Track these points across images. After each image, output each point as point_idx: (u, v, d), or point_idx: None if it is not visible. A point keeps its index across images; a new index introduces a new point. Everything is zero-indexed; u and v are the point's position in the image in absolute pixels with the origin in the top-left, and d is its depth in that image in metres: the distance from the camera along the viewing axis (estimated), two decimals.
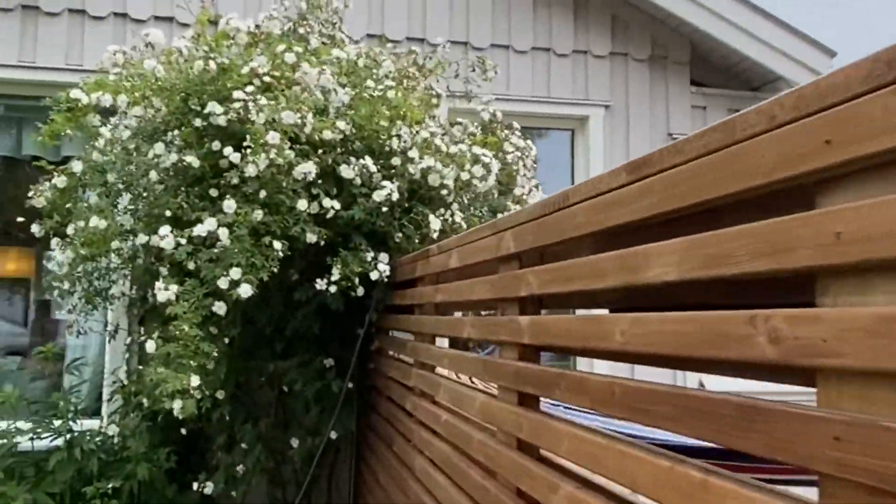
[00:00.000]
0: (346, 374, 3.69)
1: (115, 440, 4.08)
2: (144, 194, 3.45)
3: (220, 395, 3.55)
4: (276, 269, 3.00)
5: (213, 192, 3.24)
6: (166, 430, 3.84)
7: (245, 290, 2.89)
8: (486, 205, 3.75)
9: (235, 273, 2.90)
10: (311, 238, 3.20)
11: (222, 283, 2.90)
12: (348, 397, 3.75)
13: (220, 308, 2.98)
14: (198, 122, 3.24)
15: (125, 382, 4.23)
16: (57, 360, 4.63)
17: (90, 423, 4.15)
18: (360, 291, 3.27)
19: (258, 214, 3.06)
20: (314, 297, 3.52)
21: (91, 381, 4.50)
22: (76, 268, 3.62)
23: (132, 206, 3.54)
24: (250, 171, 2.98)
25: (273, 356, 3.85)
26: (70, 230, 3.43)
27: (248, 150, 2.98)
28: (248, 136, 2.99)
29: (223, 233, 2.92)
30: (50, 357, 4.29)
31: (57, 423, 3.93)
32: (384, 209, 3.30)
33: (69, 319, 4.13)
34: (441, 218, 3.41)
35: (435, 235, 3.42)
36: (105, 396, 4.40)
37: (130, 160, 3.50)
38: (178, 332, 2.83)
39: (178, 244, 2.96)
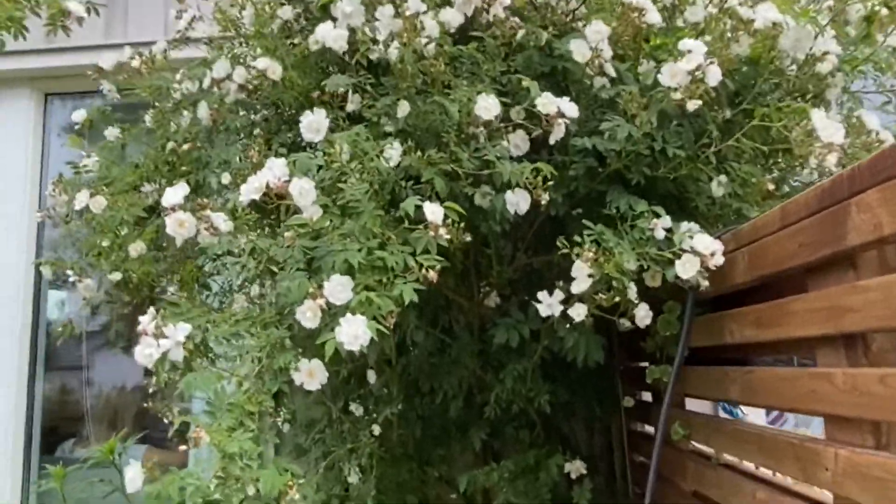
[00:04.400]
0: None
1: None
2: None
3: None
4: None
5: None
6: None
7: (357, 336, 1.12)
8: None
9: (341, 287, 1.15)
10: (524, 203, 1.38)
11: (304, 317, 1.17)
12: None
13: (311, 374, 1.25)
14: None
15: None
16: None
17: None
18: (644, 317, 1.39)
19: (393, 153, 1.32)
20: (533, 339, 1.71)
21: None
22: None
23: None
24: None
25: (460, 458, 2.08)
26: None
27: None
28: None
29: (302, 187, 1.19)
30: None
31: None
32: (677, 129, 1.44)
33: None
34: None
35: (772, 187, 1.49)
36: None
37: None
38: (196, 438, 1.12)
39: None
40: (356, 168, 1.28)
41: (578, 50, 1.45)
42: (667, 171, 1.49)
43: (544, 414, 1.96)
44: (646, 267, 1.34)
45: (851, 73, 1.46)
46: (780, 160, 1.46)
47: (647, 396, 2.12)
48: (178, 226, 1.21)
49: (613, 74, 1.50)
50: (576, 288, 1.35)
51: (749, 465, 1.36)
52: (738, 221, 1.53)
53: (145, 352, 1.12)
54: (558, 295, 1.39)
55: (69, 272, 1.89)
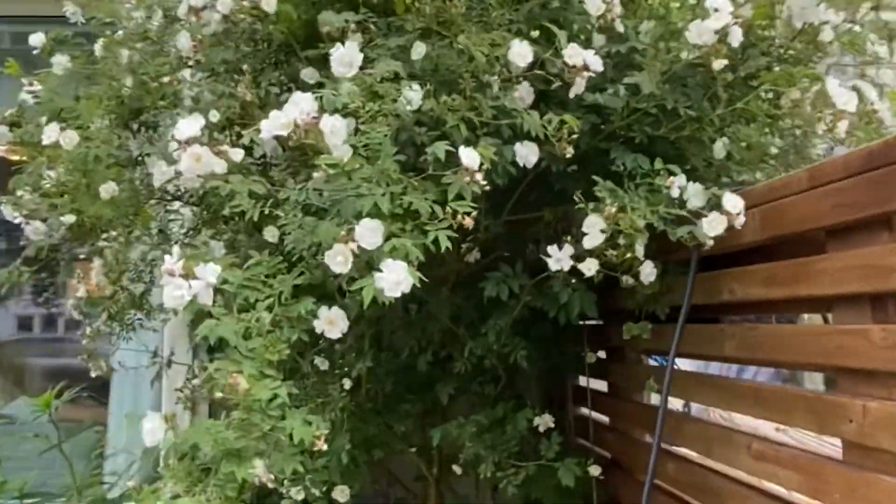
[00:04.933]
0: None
1: None
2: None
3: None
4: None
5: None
6: None
7: (398, 282, 1.07)
8: None
9: (370, 232, 1.10)
10: (532, 156, 1.36)
11: (334, 262, 1.11)
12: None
13: (332, 322, 1.19)
14: None
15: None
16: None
17: None
18: (649, 273, 1.41)
19: (413, 96, 1.26)
20: (519, 294, 1.70)
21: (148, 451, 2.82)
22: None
23: None
24: None
25: (433, 412, 2.07)
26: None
27: None
28: None
29: (334, 125, 1.12)
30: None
31: None
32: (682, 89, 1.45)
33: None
34: None
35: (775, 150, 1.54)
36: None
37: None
38: (232, 385, 1.06)
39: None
40: (375, 110, 1.22)
41: (592, 3, 1.43)
42: (668, 131, 1.51)
43: (508, 369, 1.97)
44: (655, 224, 1.36)
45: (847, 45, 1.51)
46: (785, 125, 1.49)
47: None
48: (195, 161, 1.12)
49: (622, 30, 1.50)
50: (588, 243, 1.35)
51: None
52: (733, 184, 1.57)
53: (175, 293, 1.03)
54: (568, 249, 1.39)
55: (12, 211, 1.71)
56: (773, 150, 1.48)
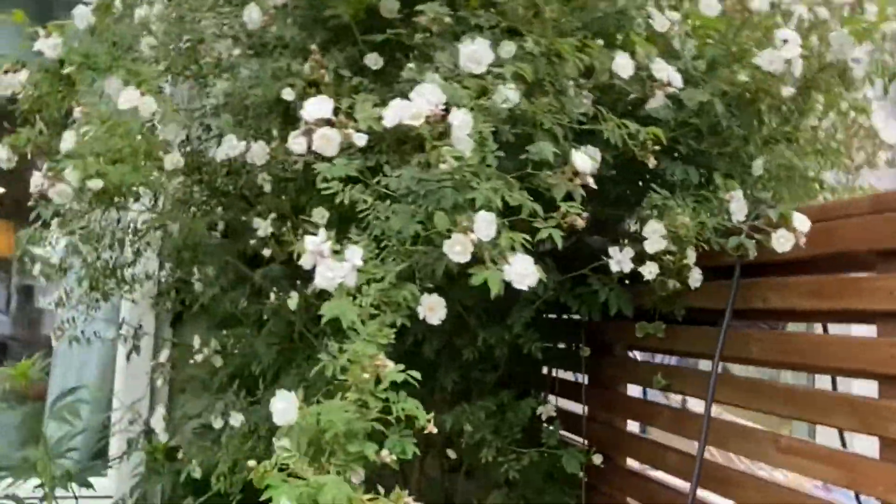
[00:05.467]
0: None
1: None
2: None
3: None
4: None
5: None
6: None
7: (525, 275, 1.12)
8: None
9: (486, 224, 1.13)
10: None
11: (452, 251, 1.14)
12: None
13: (432, 308, 1.22)
14: None
15: (153, 430, 2.45)
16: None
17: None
18: (697, 279, 1.52)
19: (511, 94, 1.30)
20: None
21: (93, 424, 2.70)
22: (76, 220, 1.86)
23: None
24: None
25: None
26: (68, 140, 1.64)
27: None
28: None
29: (462, 119, 1.15)
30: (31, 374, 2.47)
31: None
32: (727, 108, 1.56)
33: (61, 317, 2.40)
34: None
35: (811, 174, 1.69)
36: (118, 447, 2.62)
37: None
38: (354, 371, 1.07)
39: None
40: (480, 106, 1.26)
41: (660, 20, 1.51)
42: (709, 146, 1.62)
43: (510, 360, 2.05)
44: (709, 234, 1.47)
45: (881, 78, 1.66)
46: (823, 153, 1.64)
47: None
48: (326, 142, 1.11)
49: (677, 47, 1.59)
50: (650, 247, 1.44)
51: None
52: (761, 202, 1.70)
53: (327, 275, 1.03)
54: (628, 252, 1.47)
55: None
56: (810, 174, 1.62)
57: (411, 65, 1.49)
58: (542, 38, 1.39)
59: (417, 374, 1.09)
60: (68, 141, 1.64)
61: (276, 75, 1.51)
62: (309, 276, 1.78)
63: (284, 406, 1.01)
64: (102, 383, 2.86)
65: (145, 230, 2.11)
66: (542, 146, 1.25)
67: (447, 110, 1.15)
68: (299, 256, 1.25)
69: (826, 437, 2.22)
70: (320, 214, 1.59)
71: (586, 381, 2.29)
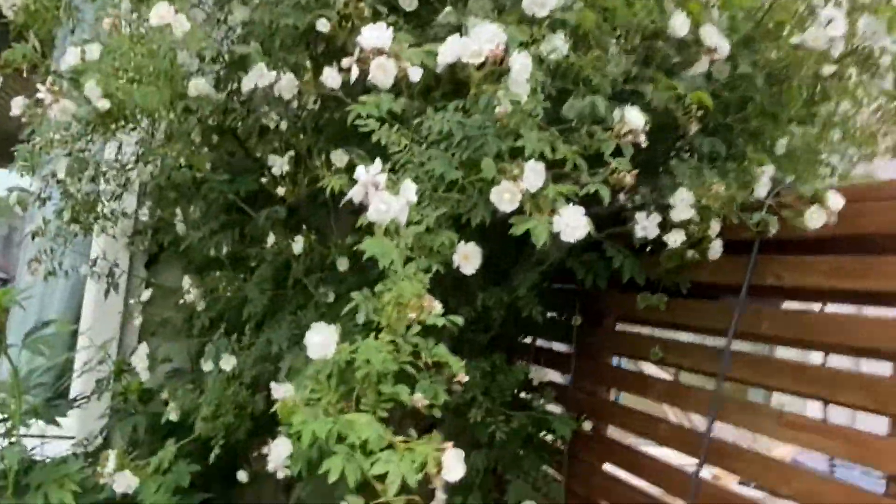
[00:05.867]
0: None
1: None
2: None
3: None
4: None
5: None
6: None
7: (575, 227, 1.10)
8: None
9: (534, 174, 1.10)
10: None
11: (500, 199, 1.10)
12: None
13: (467, 257, 1.19)
14: None
15: (124, 370, 2.36)
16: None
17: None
18: (717, 251, 1.52)
19: (559, 45, 1.27)
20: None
21: (59, 362, 2.59)
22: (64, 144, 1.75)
23: None
24: None
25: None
26: (73, 55, 1.54)
27: None
28: None
29: (523, 62, 1.11)
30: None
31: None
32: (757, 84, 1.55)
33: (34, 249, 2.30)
34: None
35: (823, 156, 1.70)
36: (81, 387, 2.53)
37: None
38: (393, 310, 1.03)
39: None
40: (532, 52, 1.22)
41: None
42: (735, 122, 1.61)
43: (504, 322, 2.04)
44: (736, 207, 1.46)
45: None
46: (850, 136, 1.64)
47: None
48: (382, 72, 1.06)
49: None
50: (677, 215, 1.43)
51: None
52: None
53: (380, 207, 0.98)
54: (655, 218, 1.46)
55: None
56: (823, 156, 1.63)
57: (449, 7, 1.44)
58: None
59: (460, 320, 1.05)
60: (73, 55, 1.55)
61: (305, 5, 1.44)
62: (313, 220, 1.72)
63: (321, 340, 0.96)
64: (64, 320, 2.75)
65: (136, 162, 2.01)
66: (594, 100, 1.21)
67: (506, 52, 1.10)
68: (333, 192, 1.20)
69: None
70: (338, 157, 1.53)
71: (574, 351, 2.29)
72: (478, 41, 1.08)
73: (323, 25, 1.35)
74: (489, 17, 1.34)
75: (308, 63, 1.35)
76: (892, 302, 1.34)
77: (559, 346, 2.42)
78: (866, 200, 1.37)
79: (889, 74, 1.63)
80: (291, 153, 1.54)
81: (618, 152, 1.20)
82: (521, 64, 1.09)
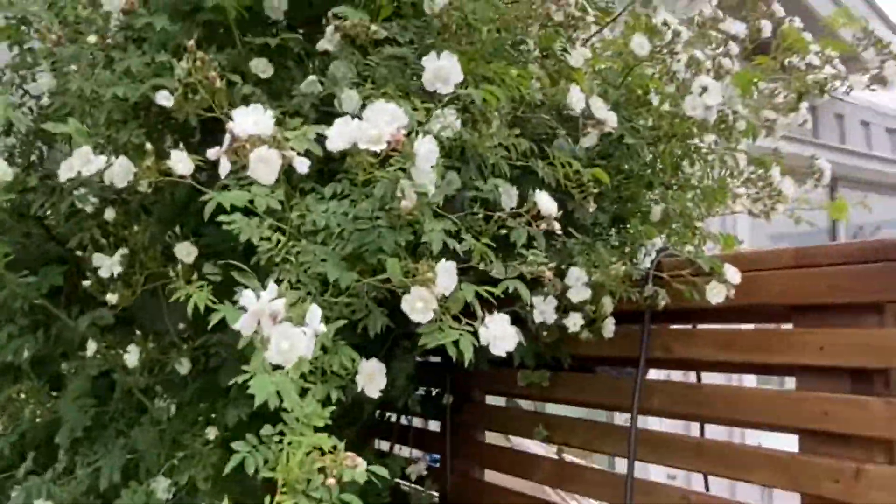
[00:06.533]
0: None
1: None
2: None
3: None
4: None
5: None
6: None
7: (504, 337, 0.94)
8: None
9: (447, 275, 0.94)
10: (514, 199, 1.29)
11: (413, 308, 0.93)
12: None
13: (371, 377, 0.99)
14: None
15: None
16: None
17: None
18: (611, 329, 1.43)
19: (451, 120, 1.12)
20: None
21: None
22: None
23: None
24: None
25: None
26: None
27: None
28: None
29: (430, 149, 0.94)
30: None
31: None
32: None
33: None
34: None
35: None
36: None
37: None
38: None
39: None
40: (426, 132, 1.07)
41: (575, 57, 1.42)
42: (610, 189, 1.56)
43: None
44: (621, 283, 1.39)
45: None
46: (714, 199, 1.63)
47: None
48: (264, 166, 0.84)
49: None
50: (575, 296, 1.33)
51: None
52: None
53: (283, 346, 0.75)
54: (552, 301, 1.34)
55: None
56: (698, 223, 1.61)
57: (312, 77, 1.26)
58: (473, 61, 1.23)
59: (385, 472, 0.85)
60: None
61: (137, 73, 1.19)
62: (144, 317, 1.46)
63: None
64: None
65: None
66: (496, 184, 1.08)
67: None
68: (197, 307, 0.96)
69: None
70: (185, 251, 1.28)
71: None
72: (376, 124, 0.91)
73: (164, 98, 1.11)
74: (357, 88, 1.17)
75: (147, 144, 1.09)
76: (783, 373, 1.32)
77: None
78: (757, 270, 1.35)
79: (742, 139, 1.65)
80: (124, 251, 1.25)
81: (530, 242, 1.07)
82: (426, 149, 0.93)
